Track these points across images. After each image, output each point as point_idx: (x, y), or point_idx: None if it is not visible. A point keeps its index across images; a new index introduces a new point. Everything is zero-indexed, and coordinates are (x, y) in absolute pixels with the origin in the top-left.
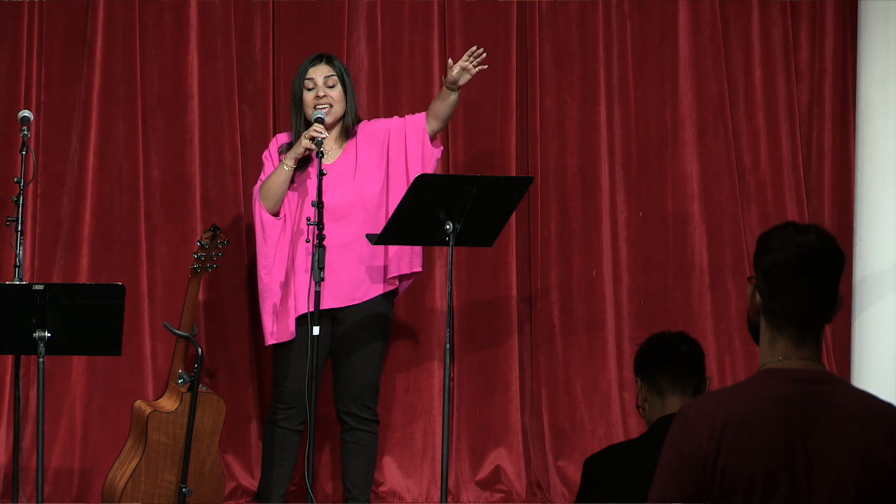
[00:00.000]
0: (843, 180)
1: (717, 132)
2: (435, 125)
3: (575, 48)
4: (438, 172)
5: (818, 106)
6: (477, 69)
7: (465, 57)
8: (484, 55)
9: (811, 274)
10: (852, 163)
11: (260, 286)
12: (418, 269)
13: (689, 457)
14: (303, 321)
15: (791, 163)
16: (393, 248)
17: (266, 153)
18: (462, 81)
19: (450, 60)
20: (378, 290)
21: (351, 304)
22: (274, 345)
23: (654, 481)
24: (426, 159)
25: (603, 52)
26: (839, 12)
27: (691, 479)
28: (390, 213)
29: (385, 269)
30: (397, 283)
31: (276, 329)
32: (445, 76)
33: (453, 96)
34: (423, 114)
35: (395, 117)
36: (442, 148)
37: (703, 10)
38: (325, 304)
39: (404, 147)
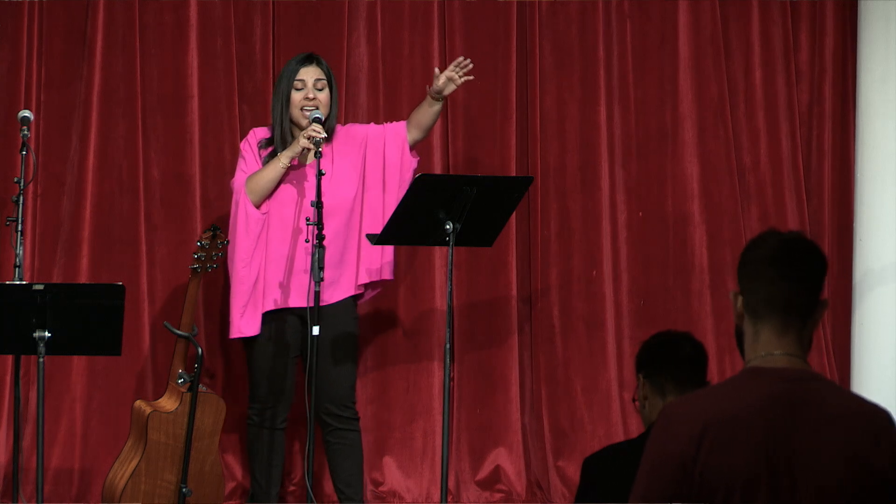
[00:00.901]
0: (843, 180)
1: (717, 132)
2: (416, 134)
3: (575, 48)
4: (438, 173)
5: (818, 106)
6: (463, 80)
7: (451, 67)
8: (470, 66)
9: (790, 261)
10: (852, 163)
11: (235, 279)
12: (388, 277)
13: (670, 457)
14: (269, 318)
15: (791, 163)
16: (365, 256)
17: (245, 144)
18: (447, 92)
19: (436, 70)
20: (346, 292)
21: (320, 304)
22: (248, 345)
23: (635, 481)
24: (404, 168)
25: (603, 52)
26: (839, 12)
27: (672, 479)
28: (364, 218)
29: (356, 274)
30: (363, 289)
31: (243, 323)
32: (430, 86)
33: (437, 106)
34: (404, 122)
35: (373, 124)
36: (419, 158)
37: (703, 11)
38: (294, 302)
39: (382, 155)
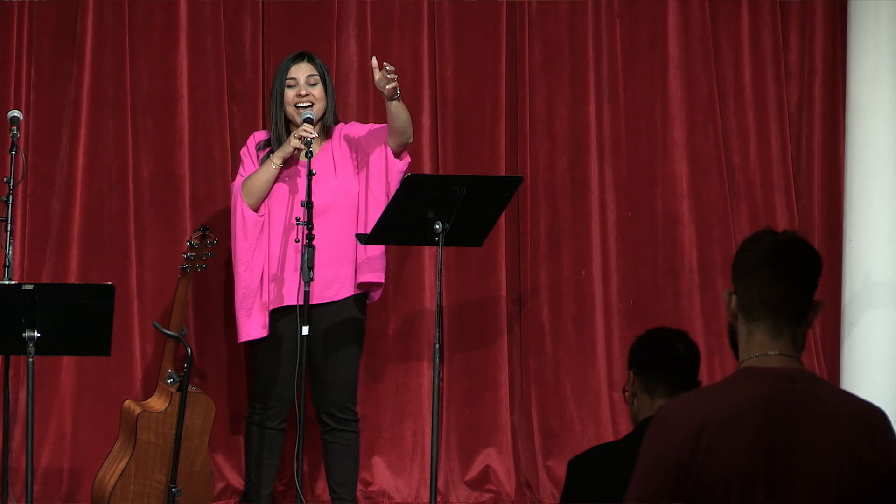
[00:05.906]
0: (832, 180)
1: (707, 132)
2: (394, 140)
3: (565, 48)
4: (427, 172)
5: (808, 105)
6: (392, 79)
7: (380, 73)
8: (390, 71)
9: (785, 262)
10: (842, 162)
11: (237, 282)
12: (380, 280)
13: (666, 458)
14: (276, 319)
15: (781, 162)
16: (362, 255)
17: (244, 150)
18: (385, 90)
19: (373, 60)
20: (347, 291)
21: (320, 302)
22: (251, 344)
23: (631, 482)
24: (390, 172)
25: (593, 51)
26: (829, 13)
27: (668, 480)
28: (360, 213)
29: (355, 273)
30: (365, 289)
31: (250, 325)
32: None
33: (391, 106)
34: (386, 126)
35: (371, 123)
36: (409, 160)
37: (692, 10)
38: (295, 300)
39: (367, 157)
